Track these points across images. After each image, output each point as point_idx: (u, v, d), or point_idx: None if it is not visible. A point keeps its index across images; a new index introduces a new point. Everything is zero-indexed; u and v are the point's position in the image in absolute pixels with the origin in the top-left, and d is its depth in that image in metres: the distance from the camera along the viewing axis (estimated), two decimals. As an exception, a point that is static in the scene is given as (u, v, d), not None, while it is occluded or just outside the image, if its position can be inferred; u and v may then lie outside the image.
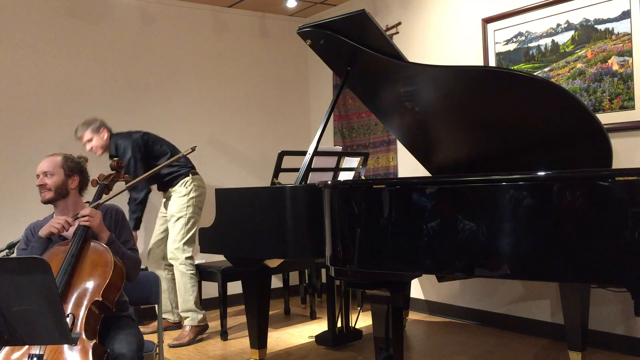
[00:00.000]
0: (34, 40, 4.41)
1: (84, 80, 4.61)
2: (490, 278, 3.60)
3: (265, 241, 3.02)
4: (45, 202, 2.49)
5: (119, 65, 4.76)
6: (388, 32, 4.75)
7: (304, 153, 3.19)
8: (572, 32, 3.66)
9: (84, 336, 2.13)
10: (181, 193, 4.18)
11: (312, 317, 4.68)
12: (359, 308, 4.27)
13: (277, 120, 5.64)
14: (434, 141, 3.47)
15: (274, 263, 3.40)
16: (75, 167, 2.52)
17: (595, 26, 3.54)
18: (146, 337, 2.51)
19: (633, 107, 3.40)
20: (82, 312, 2.18)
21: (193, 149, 2.79)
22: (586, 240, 1.98)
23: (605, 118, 3.41)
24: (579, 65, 3.63)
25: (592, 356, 3.40)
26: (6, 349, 2.08)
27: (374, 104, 3.49)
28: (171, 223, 4.19)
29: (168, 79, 5.01)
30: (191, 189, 4.20)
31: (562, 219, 2.03)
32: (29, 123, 4.37)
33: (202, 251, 3.46)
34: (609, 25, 3.47)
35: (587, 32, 3.58)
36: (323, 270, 5.08)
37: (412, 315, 4.59)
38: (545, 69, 3.79)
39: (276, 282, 5.04)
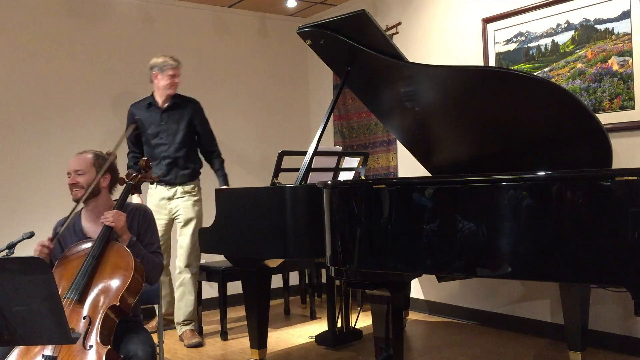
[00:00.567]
0: (34, 40, 4.41)
1: (84, 80, 4.61)
2: (490, 278, 3.60)
3: (265, 241, 3.02)
4: (77, 200, 2.43)
5: (119, 65, 4.76)
6: (388, 32, 4.75)
7: (304, 153, 3.19)
8: (572, 32, 3.66)
9: (98, 340, 2.10)
10: (195, 196, 4.11)
11: (312, 317, 4.68)
12: (359, 308, 4.27)
13: (277, 120, 5.64)
14: (434, 141, 3.47)
15: (274, 263, 3.40)
16: (103, 163, 2.47)
17: (595, 26, 3.54)
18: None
19: (633, 107, 3.40)
20: (99, 316, 2.15)
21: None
22: (586, 240, 1.98)
23: (605, 118, 3.40)
24: (579, 65, 3.63)
25: (592, 356, 3.40)
26: (19, 349, 2.06)
27: (374, 104, 3.49)
28: (188, 228, 4.04)
29: (168, 79, 5.01)
30: (200, 192, 4.17)
31: (562, 219, 2.03)
32: (29, 123, 4.37)
33: (202, 251, 3.46)
34: (609, 25, 3.47)
35: (587, 32, 3.58)
36: (323, 270, 5.08)
37: (412, 315, 4.59)
38: (545, 69, 3.79)
39: (276, 282, 5.03)
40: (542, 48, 3.81)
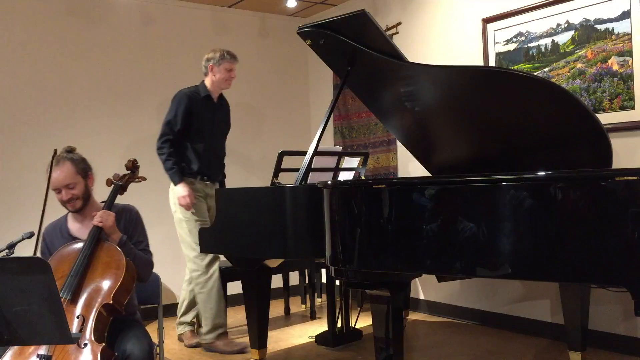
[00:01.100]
0: (34, 40, 4.41)
1: (83, 80, 4.61)
2: (490, 278, 3.59)
3: (265, 241, 3.02)
4: (76, 211, 2.47)
5: (119, 65, 4.76)
6: (388, 32, 4.75)
7: (304, 153, 3.19)
8: (572, 32, 3.66)
9: (93, 338, 2.12)
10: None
11: (312, 317, 4.68)
12: (359, 308, 4.27)
13: (277, 120, 5.64)
14: (434, 141, 3.47)
15: (274, 263, 3.40)
16: (84, 167, 2.49)
17: (595, 26, 3.54)
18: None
19: (633, 107, 3.40)
20: (93, 315, 2.17)
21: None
22: (586, 240, 1.98)
23: (605, 118, 3.40)
24: (579, 65, 3.63)
25: (592, 356, 3.40)
26: (14, 349, 2.07)
27: (374, 103, 3.49)
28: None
29: (168, 79, 5.01)
30: None
31: (562, 219, 2.03)
32: (28, 123, 4.37)
33: (202, 251, 3.46)
34: (609, 25, 3.47)
35: (587, 32, 3.58)
36: (323, 270, 5.08)
37: (412, 315, 4.59)
38: (545, 69, 3.79)
39: (276, 282, 5.03)
40: (542, 48, 3.81)
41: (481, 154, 3.18)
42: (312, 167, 3.16)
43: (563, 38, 3.70)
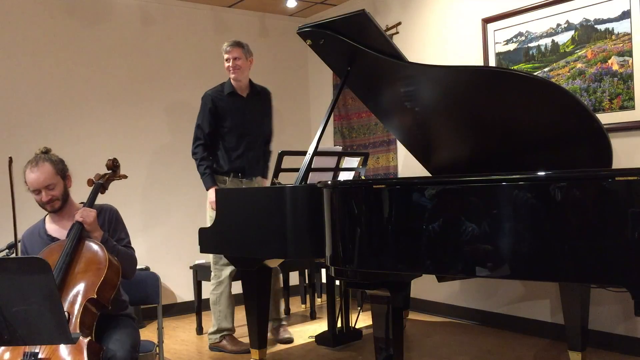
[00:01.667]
0: (34, 40, 4.41)
1: (83, 80, 4.61)
2: (490, 278, 3.59)
3: (265, 241, 3.02)
4: (55, 211, 2.48)
5: (118, 65, 4.76)
6: (388, 32, 4.75)
7: (304, 153, 3.19)
8: (572, 32, 3.66)
9: (79, 332, 2.13)
10: None
11: (312, 317, 4.68)
12: (359, 308, 4.27)
13: (277, 120, 5.62)
14: (434, 141, 3.47)
15: (274, 263, 3.40)
16: (63, 167, 2.51)
17: (595, 26, 3.54)
18: (146, 337, 2.51)
19: (633, 107, 3.40)
20: (77, 310, 2.19)
21: None
22: (586, 240, 1.98)
23: (605, 118, 3.40)
24: (579, 65, 3.63)
25: (592, 356, 3.40)
26: (1, 347, 2.08)
27: (374, 104, 3.49)
28: None
29: (168, 79, 5.01)
30: None
31: (562, 219, 2.03)
32: (28, 122, 4.37)
33: (202, 251, 3.45)
34: (609, 25, 3.47)
35: (587, 32, 3.58)
36: (323, 270, 5.08)
37: (412, 315, 4.59)
38: (545, 69, 3.79)
39: (276, 282, 5.04)
40: (542, 48, 3.81)
41: (481, 154, 3.18)
42: (312, 167, 3.16)
43: (563, 38, 3.70)
